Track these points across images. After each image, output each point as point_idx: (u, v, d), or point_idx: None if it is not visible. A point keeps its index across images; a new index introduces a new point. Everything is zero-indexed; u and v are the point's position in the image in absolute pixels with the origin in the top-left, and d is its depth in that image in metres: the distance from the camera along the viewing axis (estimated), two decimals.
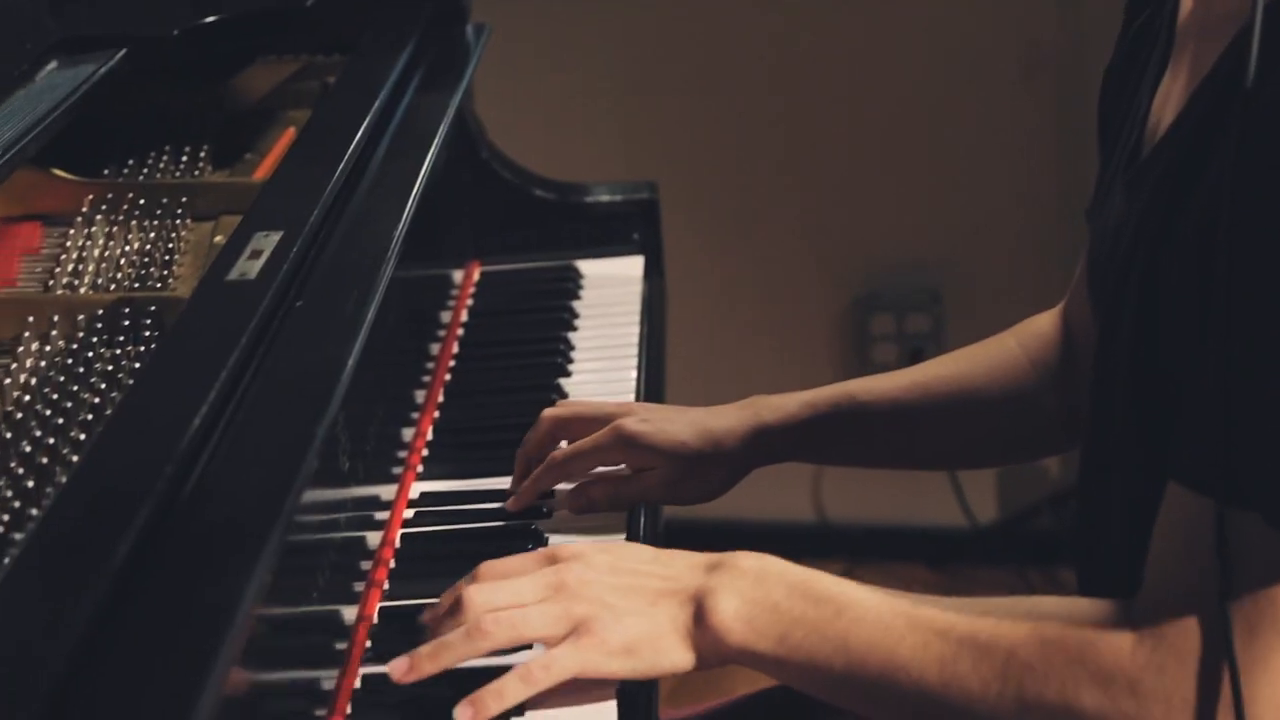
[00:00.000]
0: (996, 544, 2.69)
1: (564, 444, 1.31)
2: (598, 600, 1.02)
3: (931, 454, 1.38)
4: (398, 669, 1.02)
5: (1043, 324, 1.34)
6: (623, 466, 1.30)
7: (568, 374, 1.53)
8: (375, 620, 1.16)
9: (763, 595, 1.01)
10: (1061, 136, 2.51)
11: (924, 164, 2.60)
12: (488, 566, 1.07)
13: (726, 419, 1.29)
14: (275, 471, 0.95)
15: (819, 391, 1.31)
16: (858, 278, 2.65)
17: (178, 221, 1.44)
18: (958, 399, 1.30)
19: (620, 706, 1.04)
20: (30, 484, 1.02)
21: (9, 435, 1.08)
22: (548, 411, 1.31)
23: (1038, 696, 0.92)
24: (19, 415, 1.11)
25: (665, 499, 1.29)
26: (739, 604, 1.01)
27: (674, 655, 1.02)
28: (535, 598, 1.03)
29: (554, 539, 1.24)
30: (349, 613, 1.14)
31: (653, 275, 1.76)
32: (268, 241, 1.19)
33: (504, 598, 1.03)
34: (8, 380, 1.16)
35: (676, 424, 1.27)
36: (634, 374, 1.53)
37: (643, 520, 1.29)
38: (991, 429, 1.33)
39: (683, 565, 1.05)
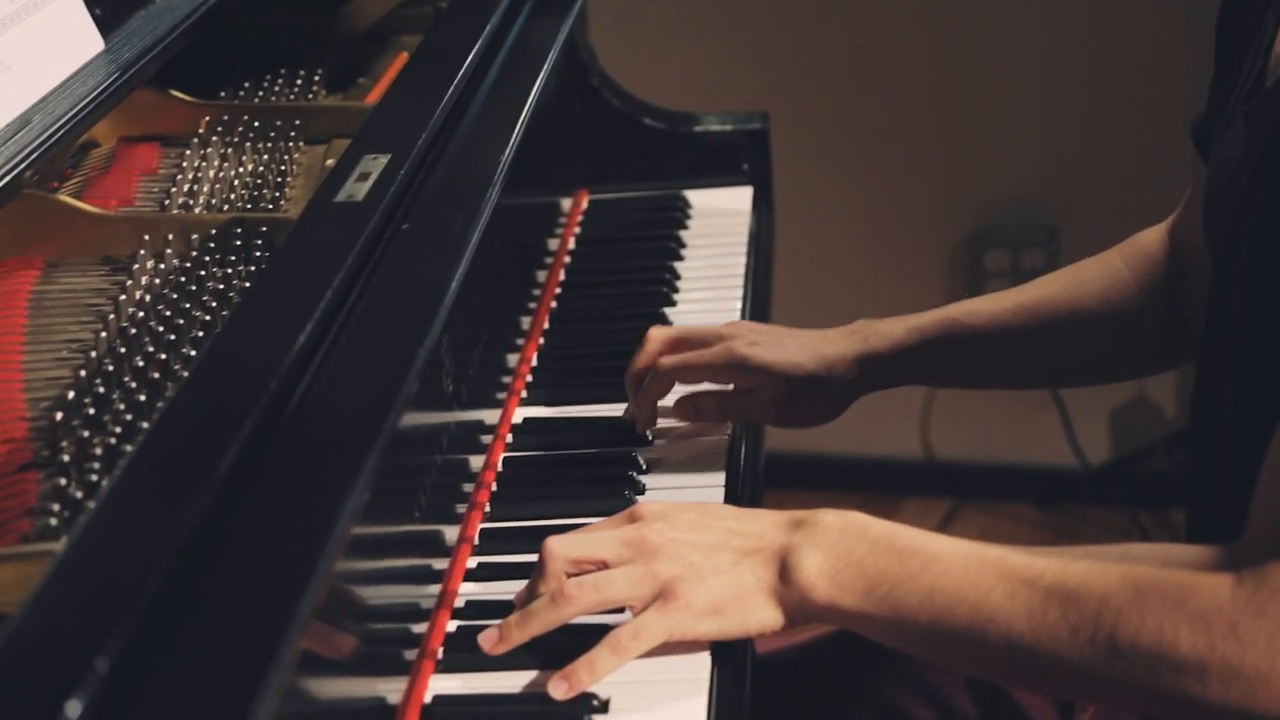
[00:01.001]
0: (1108, 485, 2.66)
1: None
2: (681, 560, 1.02)
3: (1034, 375, 1.41)
4: (488, 640, 1.02)
5: (1150, 243, 1.33)
6: (730, 387, 1.30)
7: (672, 303, 1.53)
8: (476, 541, 1.17)
9: (846, 550, 1.01)
10: (1187, 68, 2.45)
11: (1041, 94, 2.55)
12: (571, 532, 1.07)
13: (837, 344, 1.30)
14: (376, 391, 0.97)
15: (924, 316, 1.32)
16: (972, 212, 2.61)
17: (291, 144, 1.46)
18: (1063, 321, 1.31)
19: (714, 651, 1.04)
20: (142, 398, 1.05)
21: (123, 350, 1.11)
22: (655, 330, 1.32)
23: (1131, 642, 0.91)
24: (133, 331, 1.14)
25: (773, 420, 1.31)
26: (823, 560, 1.01)
27: (761, 614, 1.02)
28: (615, 553, 1.03)
29: (652, 479, 1.25)
30: (450, 533, 1.15)
31: (761, 206, 1.75)
32: (375, 164, 1.20)
33: (582, 549, 1.03)
34: (123, 296, 1.18)
35: (788, 346, 1.29)
36: (739, 304, 1.53)
37: (743, 455, 1.29)
38: (1096, 350, 1.34)
39: (766, 523, 1.05)
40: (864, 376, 1.30)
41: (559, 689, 0.99)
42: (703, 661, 1.03)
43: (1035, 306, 1.32)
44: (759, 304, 1.57)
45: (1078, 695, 1.02)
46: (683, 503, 1.08)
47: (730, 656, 1.04)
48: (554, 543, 1.04)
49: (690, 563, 1.02)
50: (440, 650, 1.05)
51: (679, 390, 1.31)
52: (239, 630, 0.77)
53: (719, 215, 1.71)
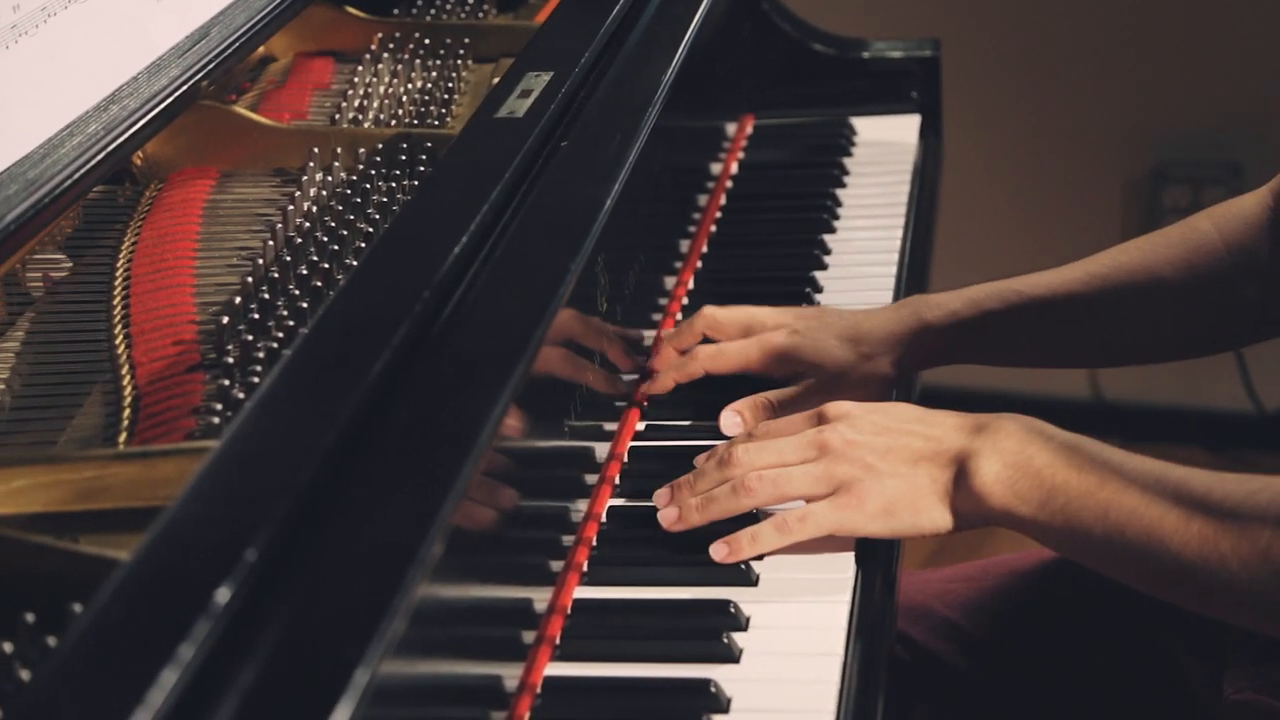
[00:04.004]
0: None
1: None
2: (859, 461, 1.04)
3: (1111, 350, 1.31)
4: (667, 518, 1.07)
5: (1246, 206, 1.24)
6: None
7: (833, 230, 1.53)
8: (625, 459, 1.19)
9: (1026, 460, 1.01)
10: None
11: (1228, 20, 2.46)
12: (764, 426, 1.10)
13: (883, 321, 1.24)
14: (528, 305, 0.99)
15: (983, 287, 1.25)
16: (1151, 146, 2.54)
17: (459, 62, 1.48)
18: (1140, 289, 1.23)
19: (859, 554, 1.06)
20: (304, 305, 1.08)
21: (289, 258, 1.14)
22: (709, 309, 1.28)
23: None
24: (299, 240, 1.17)
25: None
26: (1001, 468, 1.01)
27: (932, 515, 1.03)
28: (798, 456, 1.05)
29: None
30: (601, 449, 1.17)
31: (929, 135, 1.73)
32: (538, 81, 1.21)
33: (768, 457, 1.06)
34: (291, 207, 1.22)
35: (826, 332, 1.24)
36: (899, 234, 1.52)
37: (893, 391, 1.29)
38: (1179, 320, 1.25)
39: (948, 425, 1.05)
40: (915, 352, 1.24)
41: (719, 551, 1.04)
42: (847, 561, 1.05)
43: (1107, 275, 1.23)
44: (920, 235, 1.56)
45: (1239, 618, 1.01)
46: (870, 404, 1.09)
47: (875, 559, 1.06)
48: (740, 451, 1.07)
49: (868, 464, 1.04)
50: (586, 564, 1.07)
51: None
52: (383, 528, 0.80)
53: (885, 143, 1.69)
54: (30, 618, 0.79)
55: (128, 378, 1.05)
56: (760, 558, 1.06)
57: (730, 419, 1.21)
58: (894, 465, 1.03)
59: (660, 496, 1.09)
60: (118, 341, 1.09)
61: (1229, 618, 1.01)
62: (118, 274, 1.17)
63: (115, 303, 1.13)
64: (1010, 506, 1.00)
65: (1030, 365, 1.35)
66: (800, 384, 1.24)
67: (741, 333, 1.26)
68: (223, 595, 0.71)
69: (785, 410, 1.21)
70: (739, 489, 1.05)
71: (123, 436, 1.00)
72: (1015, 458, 1.01)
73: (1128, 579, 1.01)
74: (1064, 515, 0.99)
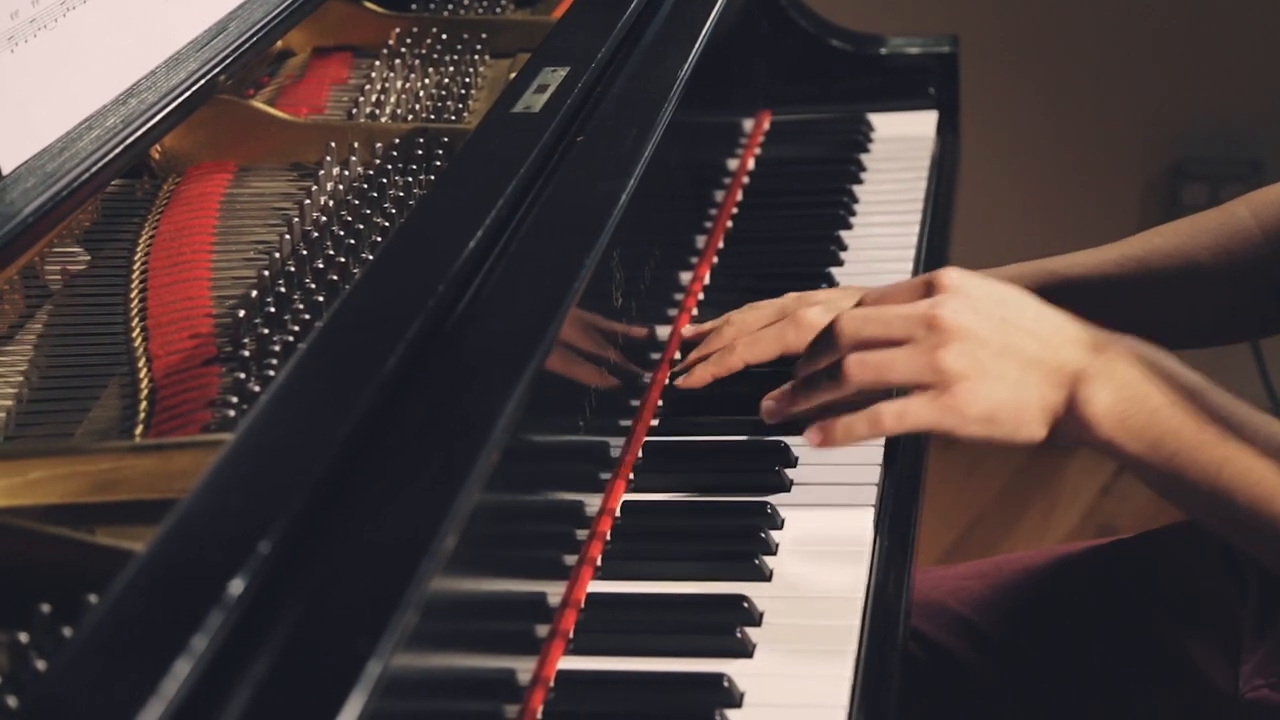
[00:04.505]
0: None
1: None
2: (969, 355, 0.98)
3: (1144, 333, 1.30)
4: (769, 410, 1.07)
5: None
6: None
7: (849, 226, 1.53)
8: (640, 454, 1.19)
9: (1144, 395, 0.97)
10: None
11: (1249, 19, 2.45)
12: (869, 293, 1.06)
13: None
14: (542, 299, 0.99)
15: (1017, 267, 1.24)
16: (1169, 143, 2.53)
17: (477, 57, 1.48)
18: (1176, 273, 1.22)
19: (874, 549, 1.06)
20: (320, 298, 1.08)
21: (305, 252, 1.15)
22: (735, 315, 1.26)
23: None
24: (315, 235, 1.18)
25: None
26: (1115, 399, 0.97)
27: (1032, 429, 0.99)
28: (906, 331, 1.00)
29: None
30: (615, 444, 1.17)
31: (946, 132, 1.73)
32: (554, 76, 1.21)
33: (873, 329, 1.01)
34: (308, 201, 1.22)
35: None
36: (916, 231, 1.52)
37: None
38: (1213, 305, 1.24)
39: (1067, 335, 1.00)
40: None
41: (814, 437, 1.03)
42: (861, 556, 1.05)
43: (1142, 258, 1.22)
44: (938, 231, 1.56)
45: None
46: (984, 281, 1.03)
47: (890, 555, 1.06)
48: (846, 320, 1.03)
49: (978, 360, 0.99)
50: (600, 558, 1.07)
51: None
52: (396, 521, 0.80)
53: (902, 139, 1.69)
54: (46, 608, 0.79)
55: (144, 370, 1.06)
56: (775, 551, 1.06)
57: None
58: (1004, 368, 0.98)
59: (767, 408, 1.07)
60: (135, 334, 1.09)
61: None
62: (135, 267, 1.17)
63: (132, 296, 1.14)
64: (1118, 440, 0.97)
65: None
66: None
67: (775, 320, 1.25)
68: (236, 587, 0.71)
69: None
70: (837, 375, 1.02)
71: (139, 429, 1.00)
72: (1132, 391, 0.97)
73: (1228, 536, 1.00)
74: (1173, 464, 0.96)
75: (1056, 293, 1.22)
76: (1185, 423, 0.95)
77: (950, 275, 1.02)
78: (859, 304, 1.06)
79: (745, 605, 1.01)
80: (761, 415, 1.06)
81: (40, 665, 0.77)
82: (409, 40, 1.50)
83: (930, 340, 0.99)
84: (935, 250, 1.52)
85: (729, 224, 1.52)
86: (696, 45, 1.34)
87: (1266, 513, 0.93)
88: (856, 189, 1.59)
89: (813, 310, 1.23)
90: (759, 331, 1.23)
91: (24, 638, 0.78)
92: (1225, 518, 0.96)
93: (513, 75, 1.44)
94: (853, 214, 1.55)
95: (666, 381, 1.28)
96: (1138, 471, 0.99)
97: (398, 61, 1.46)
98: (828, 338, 1.03)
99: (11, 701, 0.74)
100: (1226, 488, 0.94)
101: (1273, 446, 0.94)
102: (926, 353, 0.99)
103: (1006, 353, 0.99)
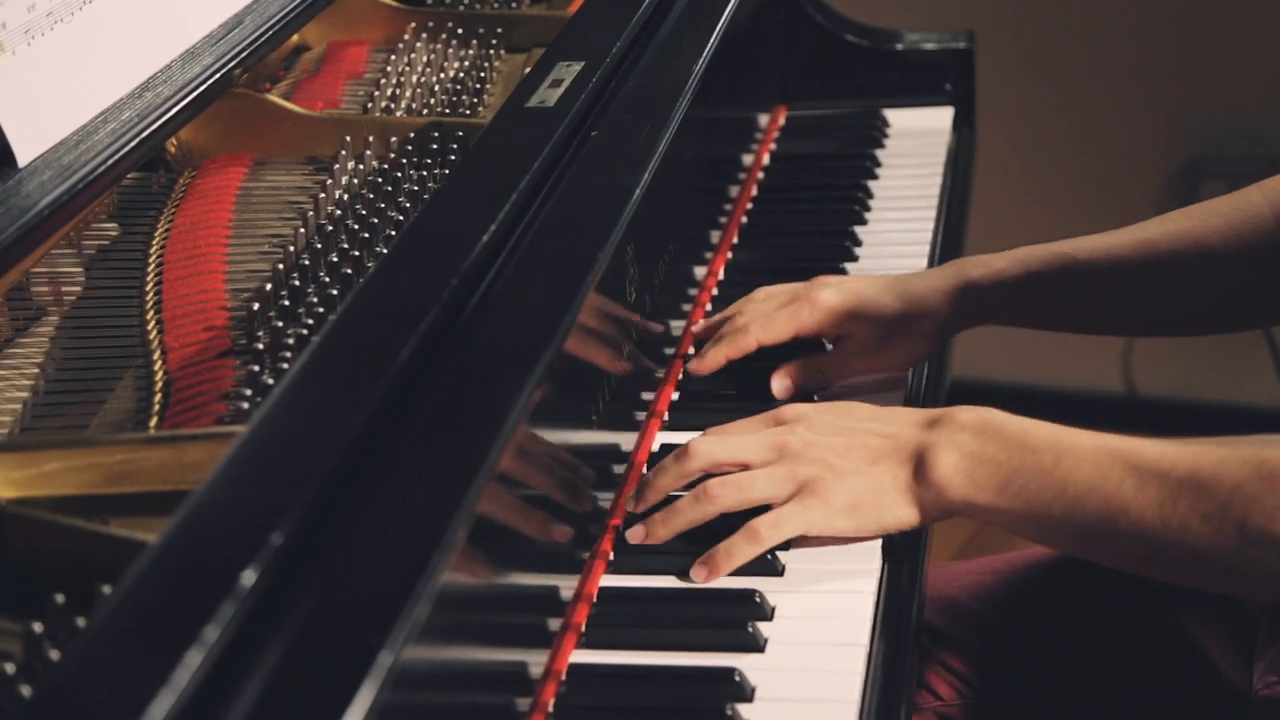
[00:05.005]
0: None
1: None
2: (820, 461, 1.04)
3: (1156, 318, 1.31)
4: (634, 536, 1.07)
5: None
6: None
7: (864, 222, 1.53)
8: (654, 450, 1.19)
9: (980, 448, 1.02)
10: None
11: (1266, 14, 2.44)
12: (715, 428, 1.10)
13: (928, 278, 1.25)
14: (555, 293, 0.99)
15: (1030, 249, 1.25)
16: (1187, 140, 2.53)
17: (492, 52, 1.49)
18: (1188, 257, 1.22)
19: (886, 546, 1.06)
20: (334, 292, 1.09)
21: (320, 246, 1.15)
22: (741, 303, 1.28)
23: (1262, 530, 0.91)
24: (330, 228, 1.18)
25: (867, 367, 1.25)
26: (958, 458, 1.02)
27: (897, 511, 1.04)
28: (758, 456, 1.06)
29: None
30: (628, 440, 1.17)
31: (962, 128, 1.73)
32: (569, 71, 1.21)
33: (727, 452, 1.06)
34: (323, 195, 1.22)
35: (874, 288, 1.24)
36: (931, 226, 1.52)
37: (925, 375, 1.29)
38: (1225, 291, 1.24)
39: (903, 422, 1.06)
40: (960, 311, 1.24)
41: (699, 574, 1.04)
42: (873, 553, 1.06)
43: (1155, 241, 1.23)
44: (953, 227, 1.56)
45: (1209, 584, 1.02)
46: (825, 404, 1.10)
47: (902, 551, 1.07)
48: (699, 444, 1.07)
49: (829, 463, 1.04)
50: (611, 553, 1.07)
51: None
52: (409, 514, 0.80)
53: (917, 135, 1.69)
54: (60, 599, 0.80)
55: (159, 363, 1.06)
56: (786, 547, 1.06)
57: (781, 382, 1.22)
58: (854, 463, 1.04)
59: (628, 501, 1.09)
60: (150, 327, 1.10)
61: (1200, 584, 1.02)
62: (151, 260, 1.18)
63: (148, 289, 1.14)
64: (970, 496, 1.02)
65: (1074, 330, 1.34)
66: (845, 342, 1.24)
67: (789, 303, 1.26)
68: (248, 578, 0.72)
69: (833, 369, 1.23)
70: (701, 497, 1.05)
71: (154, 421, 1.00)
72: (970, 447, 1.02)
73: (1096, 556, 1.03)
74: (1023, 498, 1.00)
75: (1069, 274, 1.24)
76: (1024, 458, 1.00)
77: (792, 409, 1.09)
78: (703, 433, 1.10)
79: (757, 600, 1.01)
80: (627, 539, 1.07)
81: (54, 655, 0.78)
82: (425, 34, 1.50)
83: (783, 460, 1.05)
84: (950, 246, 1.52)
85: (744, 219, 1.52)
86: (711, 40, 1.34)
87: (1118, 513, 0.96)
88: (871, 184, 1.59)
89: (826, 292, 1.24)
90: (773, 313, 1.25)
91: (38, 627, 0.78)
92: (1089, 537, 0.99)
93: (528, 70, 1.44)
94: (868, 209, 1.55)
95: (680, 375, 1.28)
96: (1001, 522, 1.03)
97: (413, 55, 1.47)
98: (681, 462, 1.07)
99: (26, 691, 0.74)
100: (1076, 501, 0.98)
101: (1104, 454, 0.98)
102: (783, 468, 1.05)
103: (851, 451, 1.05)
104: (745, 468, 1.06)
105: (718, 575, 1.04)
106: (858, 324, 1.24)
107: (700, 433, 1.11)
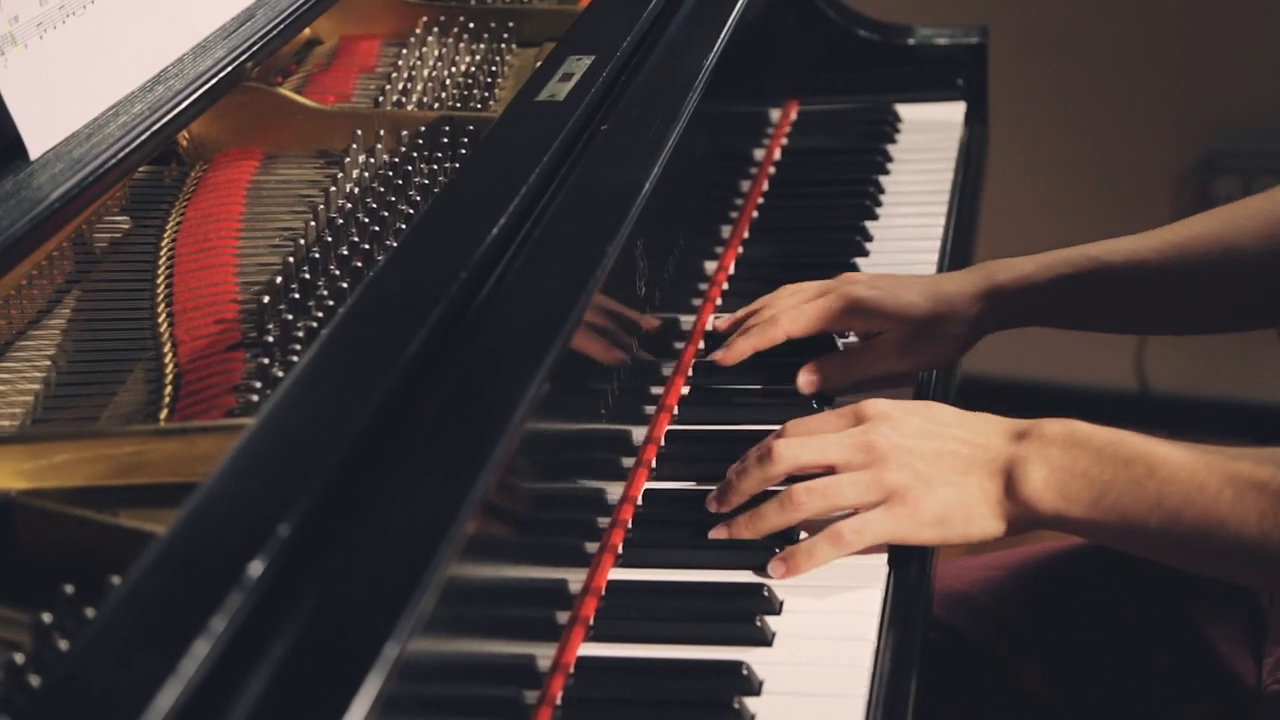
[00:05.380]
0: None
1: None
2: (909, 468, 1.03)
3: (1184, 318, 1.31)
4: (718, 536, 1.07)
5: None
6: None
7: (874, 217, 1.53)
8: (663, 442, 1.19)
9: (1071, 462, 1.01)
10: None
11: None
12: (794, 424, 1.09)
13: (957, 281, 1.25)
14: (564, 287, 0.99)
15: (1057, 253, 1.25)
16: (1201, 135, 2.52)
17: (503, 46, 1.49)
18: (1216, 258, 1.22)
19: (891, 556, 1.06)
20: (344, 285, 1.09)
21: (330, 239, 1.15)
22: (768, 298, 1.28)
23: None
24: (340, 221, 1.18)
25: (895, 366, 1.25)
26: (1049, 472, 1.01)
27: (984, 524, 1.03)
28: (843, 458, 1.04)
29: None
30: (638, 433, 1.17)
31: (974, 123, 1.73)
32: (579, 65, 1.21)
33: (812, 454, 1.05)
34: (333, 188, 1.23)
35: (905, 287, 1.25)
36: (942, 222, 1.52)
37: (934, 373, 1.29)
38: (1254, 291, 1.24)
39: (991, 433, 1.05)
40: (989, 313, 1.24)
41: (778, 569, 1.04)
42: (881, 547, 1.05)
43: (1182, 244, 1.23)
44: (964, 223, 1.55)
45: None
46: (907, 403, 1.08)
47: (910, 546, 1.06)
48: (782, 446, 1.06)
49: (918, 471, 1.03)
50: (621, 545, 1.07)
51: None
52: (416, 505, 0.81)
53: (929, 130, 1.69)
54: (69, 589, 0.80)
55: (170, 355, 1.06)
56: (796, 540, 1.06)
57: (808, 378, 1.21)
58: (945, 473, 1.03)
59: (711, 501, 1.08)
60: (160, 320, 1.10)
61: None
62: (162, 253, 1.18)
63: (159, 281, 1.15)
64: (1062, 510, 1.01)
65: (1101, 330, 1.35)
66: (874, 340, 1.24)
67: (817, 297, 1.26)
68: (255, 569, 0.72)
69: (859, 366, 1.23)
70: (787, 504, 1.04)
71: (164, 413, 1.01)
72: (1061, 461, 1.01)
73: (1193, 565, 1.02)
74: (1118, 511, 0.99)
75: (1097, 277, 1.24)
76: (1116, 471, 1.00)
77: (874, 405, 1.07)
78: (783, 431, 1.09)
79: (765, 594, 1.01)
80: (710, 536, 1.07)
81: (63, 645, 0.78)
82: (436, 28, 1.50)
83: (869, 463, 1.04)
84: (961, 241, 1.52)
85: (755, 214, 1.52)
86: (722, 35, 1.34)
87: (1215, 525, 0.96)
88: (883, 179, 1.59)
89: (857, 287, 1.25)
90: (803, 305, 1.25)
91: (47, 618, 0.79)
92: (1186, 548, 0.99)
93: (539, 64, 1.45)
94: (879, 204, 1.55)
95: (690, 370, 1.28)
96: (1093, 535, 1.02)
97: (425, 49, 1.47)
98: (764, 466, 1.06)
99: (34, 680, 0.75)
100: (1172, 515, 0.97)
101: (1200, 466, 0.97)
102: (870, 474, 1.03)
103: (941, 460, 1.04)
104: (829, 468, 1.05)
105: (796, 574, 1.03)
106: (886, 322, 1.24)
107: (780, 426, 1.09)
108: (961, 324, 1.24)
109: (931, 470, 1.03)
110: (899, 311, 1.23)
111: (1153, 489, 0.98)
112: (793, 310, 1.25)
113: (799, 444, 1.06)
